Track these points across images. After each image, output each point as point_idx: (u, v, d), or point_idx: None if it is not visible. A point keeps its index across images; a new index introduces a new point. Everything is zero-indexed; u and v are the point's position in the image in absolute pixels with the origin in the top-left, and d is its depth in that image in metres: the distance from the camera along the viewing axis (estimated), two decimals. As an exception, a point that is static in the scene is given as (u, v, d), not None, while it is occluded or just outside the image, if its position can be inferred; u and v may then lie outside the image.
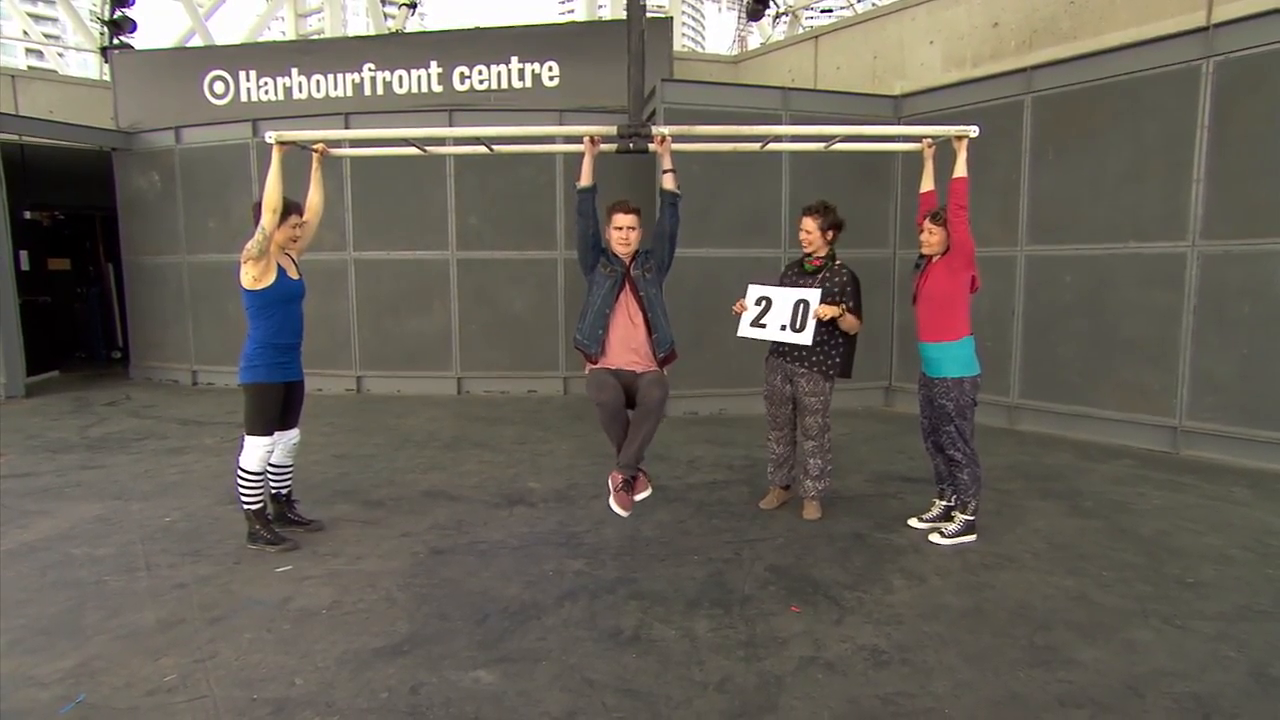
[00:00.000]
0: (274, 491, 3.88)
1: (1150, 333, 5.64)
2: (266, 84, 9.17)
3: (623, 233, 3.63)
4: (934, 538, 3.78)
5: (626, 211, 3.65)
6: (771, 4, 11.48)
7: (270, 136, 3.57)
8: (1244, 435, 5.21)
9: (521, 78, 8.78)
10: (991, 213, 6.28)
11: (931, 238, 3.74)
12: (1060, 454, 5.55)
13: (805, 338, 3.84)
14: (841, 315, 3.86)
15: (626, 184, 6.53)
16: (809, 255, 4.07)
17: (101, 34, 10.40)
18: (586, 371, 3.74)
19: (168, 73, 9.49)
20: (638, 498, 3.58)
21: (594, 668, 2.61)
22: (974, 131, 3.67)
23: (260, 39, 14.17)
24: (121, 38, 10.20)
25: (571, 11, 59.12)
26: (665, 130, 3.64)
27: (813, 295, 3.84)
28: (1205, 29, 5.29)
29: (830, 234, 4.01)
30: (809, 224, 4.00)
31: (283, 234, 3.61)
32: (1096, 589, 3.23)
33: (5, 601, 3.10)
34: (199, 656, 2.67)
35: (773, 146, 4.11)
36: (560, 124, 7.36)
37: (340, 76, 9.02)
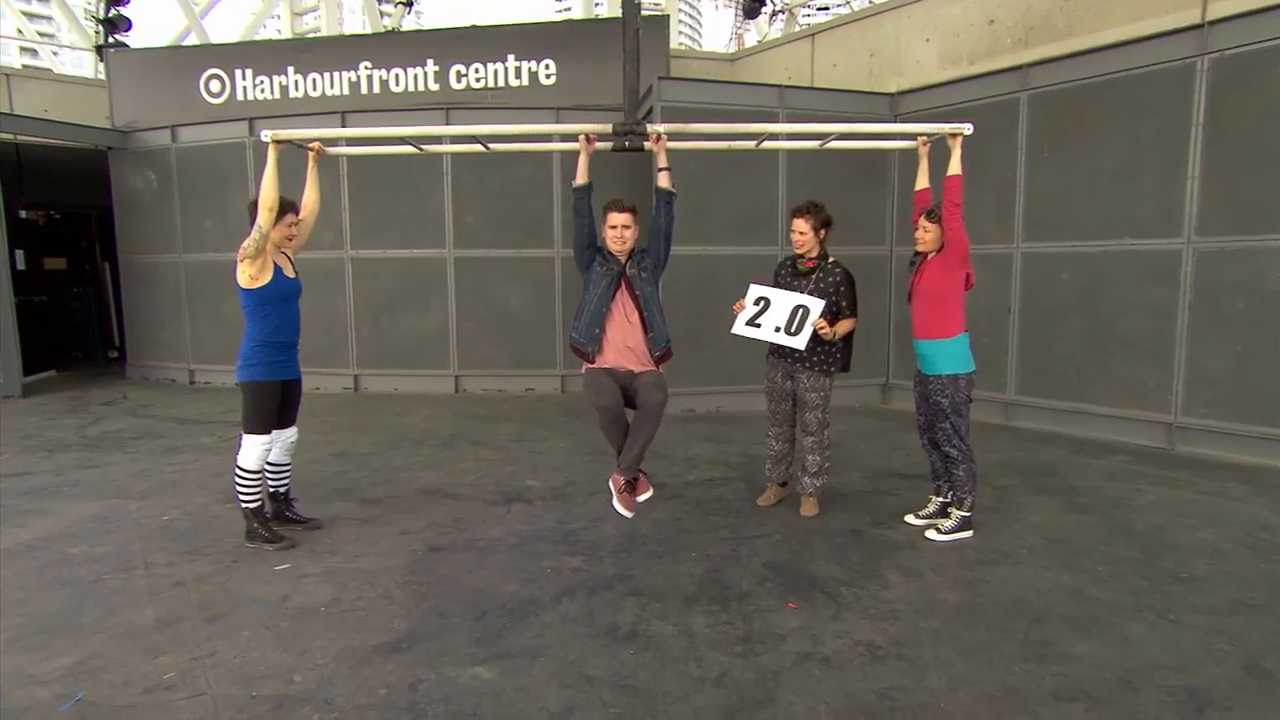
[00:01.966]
0: (272, 490, 3.89)
1: (1146, 329, 5.66)
2: (263, 83, 9.15)
3: (618, 231, 3.62)
4: (930, 534, 3.80)
5: (622, 210, 3.64)
6: (768, 1, 11.47)
7: (266, 135, 3.57)
8: (1239, 431, 5.23)
9: (518, 76, 8.78)
10: (988, 210, 6.29)
11: (926, 235, 3.74)
12: (1056, 450, 5.58)
13: (799, 342, 3.84)
14: (835, 335, 3.89)
15: (623, 183, 6.53)
16: (801, 256, 4.06)
17: (97, 32, 10.37)
18: (583, 371, 3.74)
19: (163, 71, 9.47)
20: (639, 498, 3.58)
21: (592, 664, 2.62)
22: (968, 129, 3.68)
23: (256, 37, 14.12)
24: (117, 36, 10.18)
25: (568, 9, 59.02)
26: (660, 129, 3.63)
27: (816, 305, 3.83)
28: (1200, 26, 5.31)
29: (822, 232, 4.00)
30: (801, 225, 3.98)
31: (279, 232, 3.61)
32: (1091, 584, 3.25)
33: (4, 600, 3.11)
34: (197, 654, 2.67)
35: (768, 145, 4.10)
36: (557, 122, 7.36)
37: (337, 75, 9.01)
